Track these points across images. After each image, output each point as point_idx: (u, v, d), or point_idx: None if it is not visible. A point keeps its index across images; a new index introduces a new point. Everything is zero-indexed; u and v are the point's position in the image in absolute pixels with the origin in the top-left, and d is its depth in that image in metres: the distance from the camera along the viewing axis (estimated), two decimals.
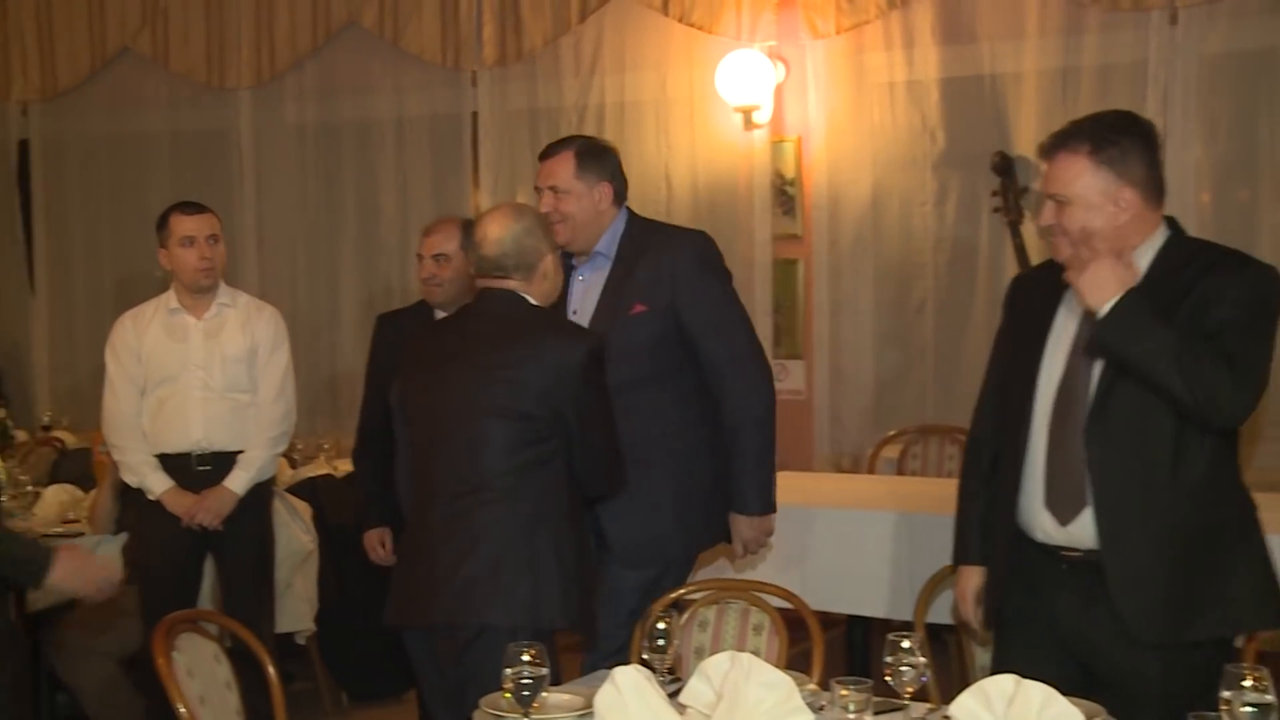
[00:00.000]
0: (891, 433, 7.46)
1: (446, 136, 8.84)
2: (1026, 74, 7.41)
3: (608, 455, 4.27)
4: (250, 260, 9.00)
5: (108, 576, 4.18)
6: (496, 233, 4.16)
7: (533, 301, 4.17)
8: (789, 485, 6.52)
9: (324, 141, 9.16)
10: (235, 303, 6.17)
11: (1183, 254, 3.67)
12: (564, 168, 4.75)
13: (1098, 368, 3.62)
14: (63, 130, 9.97)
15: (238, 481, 5.96)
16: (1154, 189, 3.65)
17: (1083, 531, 3.64)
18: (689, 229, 5.36)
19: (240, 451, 6.02)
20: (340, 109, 9.05)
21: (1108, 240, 3.59)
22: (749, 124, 7.89)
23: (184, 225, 5.96)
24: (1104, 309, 3.44)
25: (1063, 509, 3.67)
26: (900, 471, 7.25)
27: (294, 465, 7.57)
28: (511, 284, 4.16)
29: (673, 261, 4.76)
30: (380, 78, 8.97)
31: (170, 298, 6.02)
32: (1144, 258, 3.63)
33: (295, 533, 6.79)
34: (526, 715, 3.13)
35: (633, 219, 4.88)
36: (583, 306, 4.82)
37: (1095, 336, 3.52)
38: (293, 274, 9.13)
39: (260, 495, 6.16)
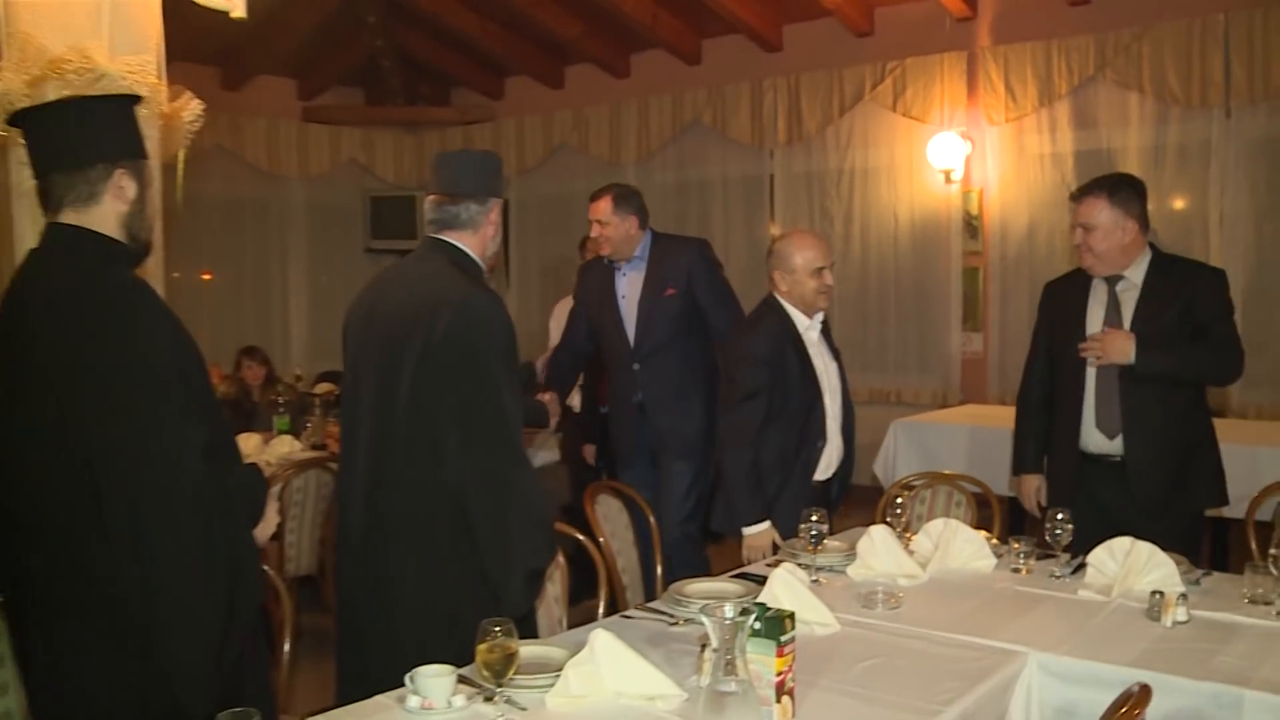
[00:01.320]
0: None
1: (753, 192, 8.75)
2: (1130, 148, 7.09)
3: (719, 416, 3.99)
4: None
5: None
6: None
7: (780, 300, 3.90)
8: (974, 413, 6.42)
9: (678, 196, 9.15)
10: None
11: (1164, 264, 3.74)
12: (605, 207, 4.67)
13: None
14: (527, 193, 10.20)
15: None
16: (1145, 222, 3.72)
17: (1119, 444, 3.70)
18: (693, 237, 5.17)
19: None
20: (687, 175, 9.03)
21: (1119, 253, 3.70)
22: (948, 180, 7.65)
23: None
24: (1131, 359, 3.58)
25: (1109, 429, 3.72)
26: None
27: None
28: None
29: (687, 258, 4.69)
30: (712, 154, 8.93)
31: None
32: (1140, 267, 3.73)
33: None
34: (814, 553, 3.06)
35: (655, 234, 4.79)
36: (629, 293, 4.72)
37: (1137, 374, 3.61)
38: None
39: None
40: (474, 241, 2.96)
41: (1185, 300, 3.64)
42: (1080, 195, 3.77)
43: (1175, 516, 3.64)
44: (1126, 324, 3.69)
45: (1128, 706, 1.79)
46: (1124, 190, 3.70)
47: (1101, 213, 3.67)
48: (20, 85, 2.78)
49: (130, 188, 2.22)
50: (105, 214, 2.19)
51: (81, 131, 2.16)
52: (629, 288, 4.75)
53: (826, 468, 3.91)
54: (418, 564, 2.74)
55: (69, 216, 2.18)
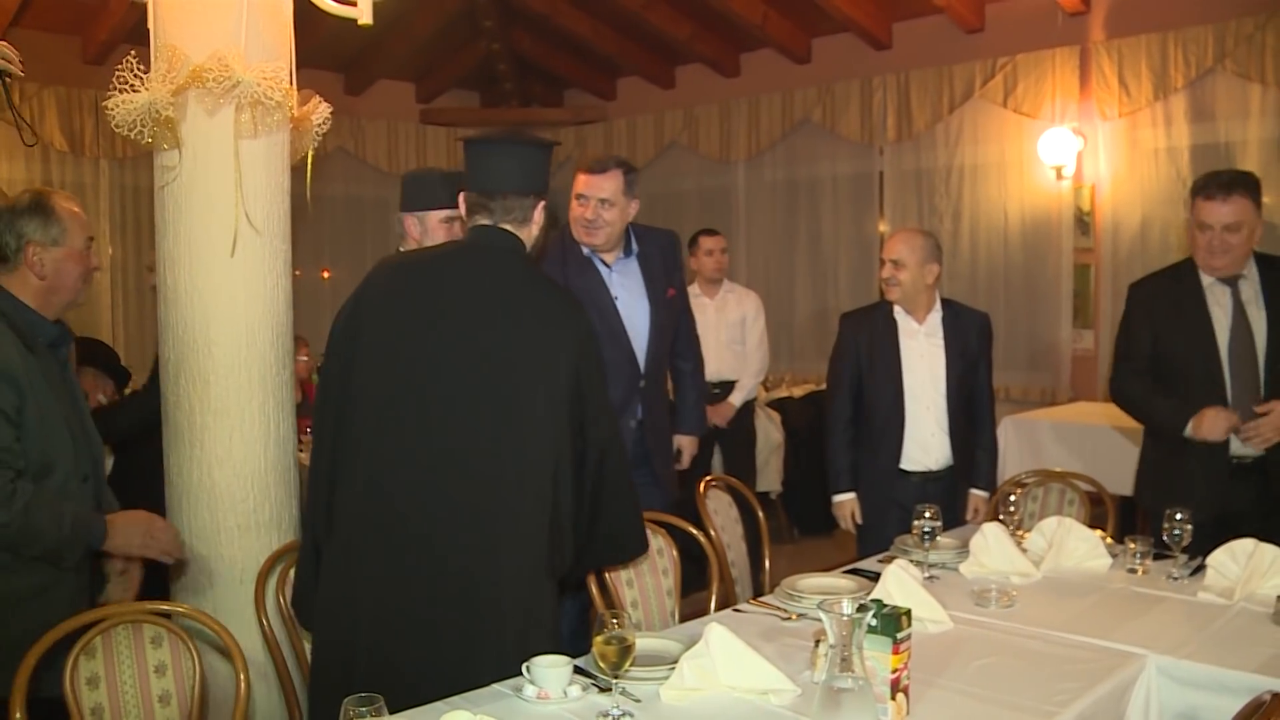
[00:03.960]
0: None
1: (862, 188, 8.63)
2: (1250, 141, 6.80)
3: None
4: (742, 266, 9.01)
5: None
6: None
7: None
8: (1085, 411, 6.25)
9: (787, 193, 9.09)
10: (733, 290, 6.30)
11: (1266, 263, 3.64)
12: (614, 183, 3.72)
13: (1261, 341, 3.54)
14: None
15: (736, 398, 6.08)
16: None
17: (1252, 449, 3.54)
18: (662, 228, 4.19)
19: (736, 380, 6.11)
20: (796, 173, 8.95)
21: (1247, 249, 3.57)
22: (1059, 177, 7.45)
23: (706, 243, 6.10)
24: None
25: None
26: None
27: (768, 389, 7.57)
28: None
29: (673, 253, 4.03)
30: (822, 151, 8.83)
31: (695, 288, 6.11)
32: (1252, 266, 3.62)
33: (770, 430, 6.81)
34: (926, 550, 3.02)
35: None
36: (626, 295, 3.84)
37: None
38: (765, 274, 9.08)
39: (749, 406, 6.24)
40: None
41: None
42: (1226, 193, 3.54)
43: None
44: (1260, 328, 3.54)
45: (1259, 716, 1.72)
46: (1258, 189, 3.57)
47: (1249, 212, 3.53)
48: (166, 94, 2.86)
49: (542, 218, 2.65)
50: (529, 233, 2.64)
51: (527, 165, 2.62)
52: (623, 289, 3.87)
53: (918, 460, 3.91)
54: None
55: (508, 226, 2.60)
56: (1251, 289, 3.59)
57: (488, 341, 2.47)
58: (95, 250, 2.88)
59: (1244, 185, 3.55)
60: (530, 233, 2.63)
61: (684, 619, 3.15)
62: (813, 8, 7.94)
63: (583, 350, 2.51)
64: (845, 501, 3.99)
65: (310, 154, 3.30)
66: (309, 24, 3.41)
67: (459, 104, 10.56)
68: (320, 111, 3.25)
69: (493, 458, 2.43)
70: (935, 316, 3.97)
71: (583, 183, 3.76)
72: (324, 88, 3.45)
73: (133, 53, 2.93)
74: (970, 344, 3.97)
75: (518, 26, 9.46)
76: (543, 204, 2.62)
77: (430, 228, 3.44)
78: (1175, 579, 3.01)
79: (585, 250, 3.82)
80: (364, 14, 3.10)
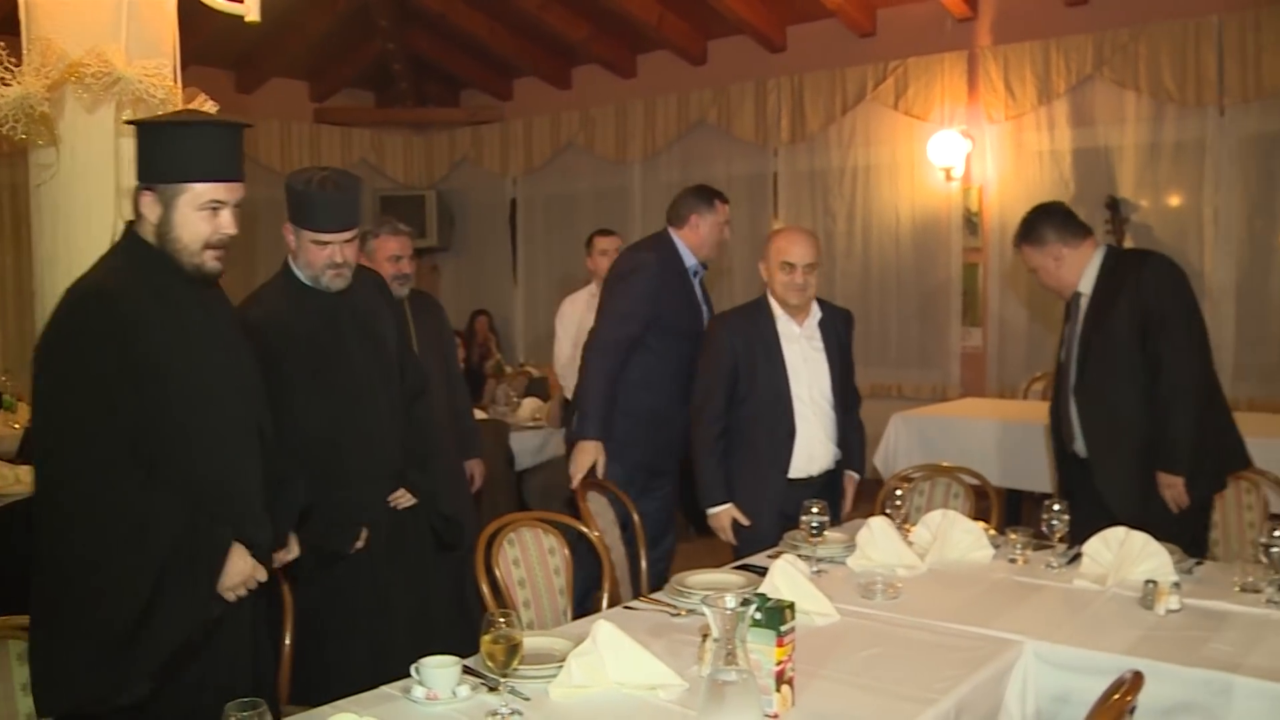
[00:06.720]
0: (1038, 374, 7.08)
1: (757, 189, 8.73)
2: (1126, 146, 7.08)
3: None
4: None
5: None
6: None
7: (768, 293, 3.96)
8: (973, 407, 6.40)
9: None
10: None
11: (1110, 262, 3.78)
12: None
13: (1073, 356, 3.82)
14: (533, 191, 10.20)
15: None
16: (1069, 235, 3.79)
17: (1080, 448, 3.80)
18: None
19: None
20: (692, 174, 9.00)
21: (1068, 275, 3.80)
22: (948, 178, 7.64)
23: (601, 243, 6.07)
24: (1180, 479, 3.62)
25: (1068, 433, 3.85)
26: (1044, 399, 6.88)
27: None
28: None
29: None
30: (717, 152, 8.91)
31: (593, 287, 6.07)
32: (1090, 276, 3.79)
33: None
34: (814, 546, 3.06)
35: None
36: (704, 306, 4.40)
37: (1190, 468, 3.62)
38: None
39: None
40: None
41: (1130, 294, 3.65)
42: (1016, 248, 3.93)
43: (1149, 510, 3.59)
44: (1076, 333, 3.81)
45: (1120, 693, 1.80)
46: (1035, 229, 3.84)
47: (1031, 258, 3.86)
48: (40, 89, 2.79)
49: (155, 211, 2.38)
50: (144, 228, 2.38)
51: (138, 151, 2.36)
52: (701, 296, 4.42)
53: (805, 466, 3.80)
54: None
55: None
56: (1085, 301, 3.80)
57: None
58: None
59: (1019, 238, 3.90)
60: (146, 227, 2.41)
61: (576, 618, 3.15)
62: (708, 10, 8.01)
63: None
64: (724, 512, 3.79)
65: None
66: (196, 19, 3.35)
67: (354, 103, 10.44)
68: (205, 110, 3.19)
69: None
70: (814, 320, 3.87)
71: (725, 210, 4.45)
72: (213, 85, 3.39)
73: (2, 44, 2.85)
74: (843, 340, 3.92)
75: (413, 26, 9.38)
76: (147, 195, 2.39)
77: (304, 245, 3.19)
78: (1053, 568, 3.10)
79: (690, 263, 4.36)
80: (251, 11, 3.06)
